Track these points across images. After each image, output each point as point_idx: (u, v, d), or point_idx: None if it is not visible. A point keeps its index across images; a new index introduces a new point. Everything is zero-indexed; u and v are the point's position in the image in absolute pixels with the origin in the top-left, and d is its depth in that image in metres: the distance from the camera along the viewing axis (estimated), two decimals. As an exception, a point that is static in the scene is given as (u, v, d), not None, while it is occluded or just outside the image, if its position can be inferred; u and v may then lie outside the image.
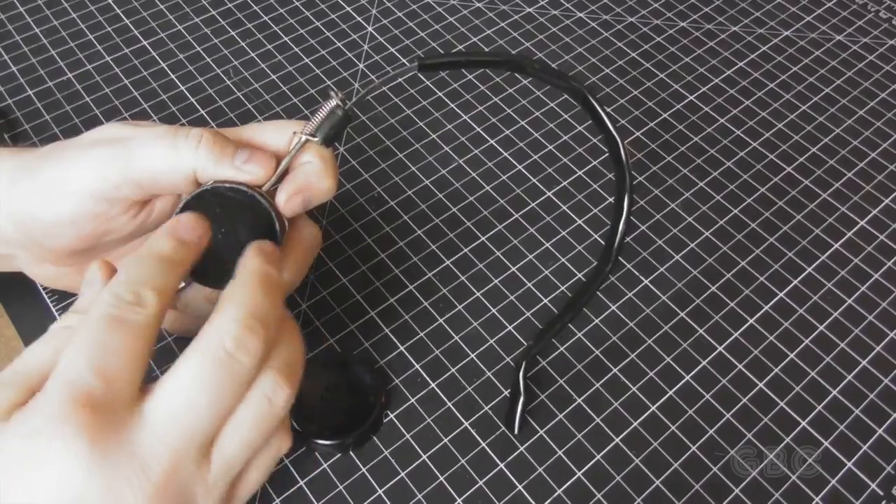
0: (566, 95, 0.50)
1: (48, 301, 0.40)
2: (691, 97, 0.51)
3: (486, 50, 0.53)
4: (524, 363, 0.37)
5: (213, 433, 0.27)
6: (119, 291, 0.27)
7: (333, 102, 0.32)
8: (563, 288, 0.42)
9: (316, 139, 0.32)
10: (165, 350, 0.38)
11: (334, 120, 0.32)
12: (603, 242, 0.43)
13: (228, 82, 0.51)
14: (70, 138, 0.34)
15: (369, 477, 0.35)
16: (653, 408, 0.37)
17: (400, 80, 0.51)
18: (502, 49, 0.53)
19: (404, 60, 0.52)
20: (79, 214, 0.32)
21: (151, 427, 0.25)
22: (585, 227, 0.44)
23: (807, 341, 0.40)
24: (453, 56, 0.32)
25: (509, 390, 0.37)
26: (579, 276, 0.42)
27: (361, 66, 0.52)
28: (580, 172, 0.47)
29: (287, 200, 0.31)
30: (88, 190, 0.31)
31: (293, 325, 0.30)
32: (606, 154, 0.47)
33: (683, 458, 0.36)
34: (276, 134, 0.33)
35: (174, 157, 0.31)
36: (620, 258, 0.41)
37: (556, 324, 0.38)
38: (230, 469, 0.27)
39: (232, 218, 0.31)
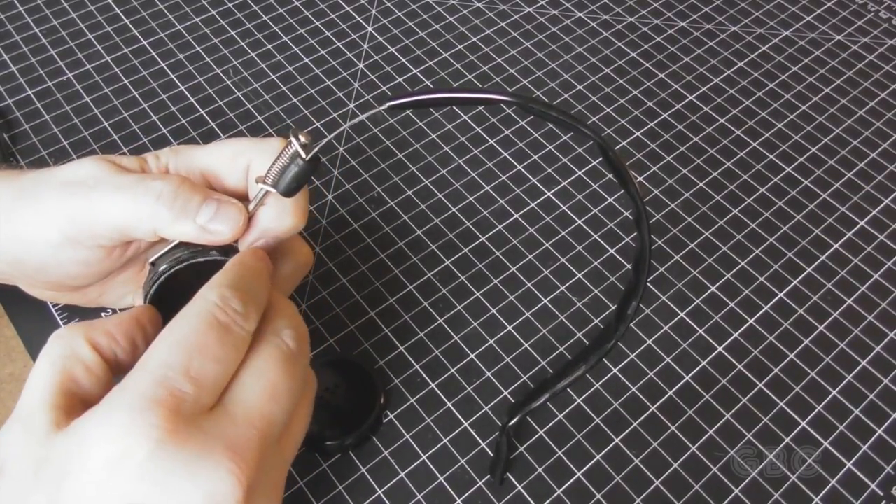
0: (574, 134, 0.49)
1: (48, 301, 0.40)
2: (691, 97, 0.51)
3: (486, 49, 0.53)
4: (511, 422, 0.33)
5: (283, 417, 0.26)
6: (229, 297, 0.26)
7: (293, 150, 0.28)
8: (562, 288, 0.41)
9: (275, 191, 0.29)
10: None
11: (295, 171, 0.28)
12: (604, 242, 0.43)
13: (228, 82, 0.51)
14: (45, 171, 0.32)
15: (369, 477, 0.35)
16: (652, 408, 0.37)
17: (399, 80, 0.51)
18: (502, 48, 0.53)
19: (395, 50, 0.52)
20: (61, 259, 0.31)
21: (234, 418, 0.25)
22: (585, 227, 0.44)
23: (807, 341, 0.40)
24: (420, 95, 0.29)
25: (493, 453, 0.35)
26: (578, 275, 0.42)
27: (361, 65, 0.52)
28: (580, 172, 0.47)
29: (252, 248, 0.30)
30: (64, 238, 0.30)
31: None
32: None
33: (683, 458, 0.36)
34: (236, 157, 0.31)
35: (133, 211, 0.29)
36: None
37: (541, 392, 0.33)
38: (285, 428, 0.27)
39: (192, 288, 0.27)
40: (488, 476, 0.35)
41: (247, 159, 0.31)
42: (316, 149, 0.28)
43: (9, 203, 0.31)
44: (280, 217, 0.30)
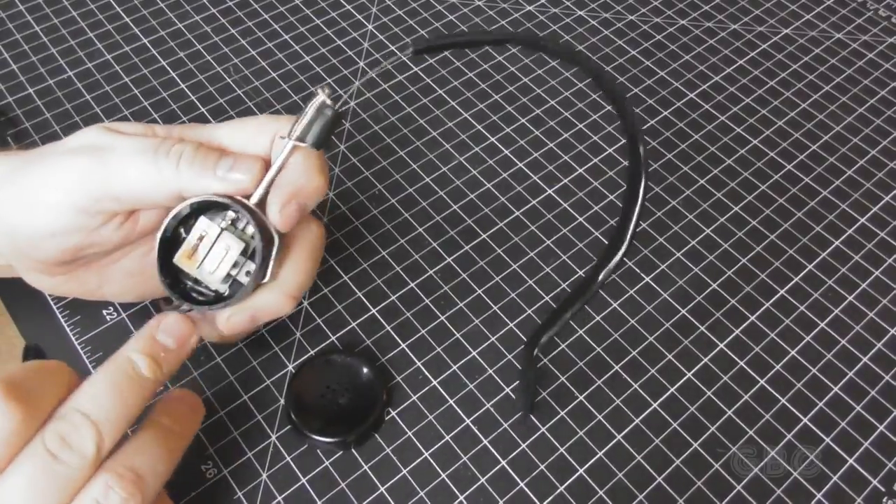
0: (569, 75, 0.49)
1: (49, 299, 0.40)
2: (691, 95, 0.51)
3: (486, 48, 0.53)
4: (537, 343, 0.35)
5: None
6: (59, 427, 0.26)
7: (321, 100, 0.30)
8: (563, 285, 0.42)
9: (305, 144, 0.30)
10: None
11: (324, 121, 0.30)
12: (605, 241, 0.43)
13: (229, 80, 0.51)
14: (52, 143, 0.32)
15: (371, 474, 0.35)
16: (654, 405, 0.37)
17: (400, 77, 0.51)
18: (502, 47, 0.53)
19: (395, 49, 0.52)
20: (57, 227, 0.30)
21: None
22: (587, 224, 0.44)
23: (808, 338, 0.40)
24: (448, 38, 0.30)
25: (520, 377, 0.37)
26: (580, 273, 0.42)
27: (362, 63, 0.52)
28: (581, 170, 0.47)
29: (281, 211, 0.29)
30: (67, 202, 0.30)
31: (163, 433, 0.29)
32: (608, 151, 0.47)
33: (685, 455, 0.36)
34: (258, 135, 0.31)
35: (155, 175, 0.29)
36: (626, 258, 0.41)
37: (568, 307, 0.36)
38: None
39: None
40: (491, 473, 0.35)
41: (269, 136, 0.31)
42: (348, 95, 0.29)
43: (12, 171, 0.31)
44: (309, 175, 0.30)
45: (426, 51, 0.32)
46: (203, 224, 0.30)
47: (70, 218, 0.30)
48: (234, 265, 0.30)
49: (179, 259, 0.30)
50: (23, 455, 0.25)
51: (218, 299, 0.31)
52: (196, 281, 0.31)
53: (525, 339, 0.39)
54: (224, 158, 0.30)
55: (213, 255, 0.30)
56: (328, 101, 0.30)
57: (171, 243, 0.30)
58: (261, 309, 0.31)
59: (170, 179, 0.29)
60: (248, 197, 0.30)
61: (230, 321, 0.31)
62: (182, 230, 0.30)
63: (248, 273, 0.30)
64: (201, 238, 0.30)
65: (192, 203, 0.30)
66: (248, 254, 0.30)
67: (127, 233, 0.32)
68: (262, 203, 0.30)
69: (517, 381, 0.37)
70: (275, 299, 0.31)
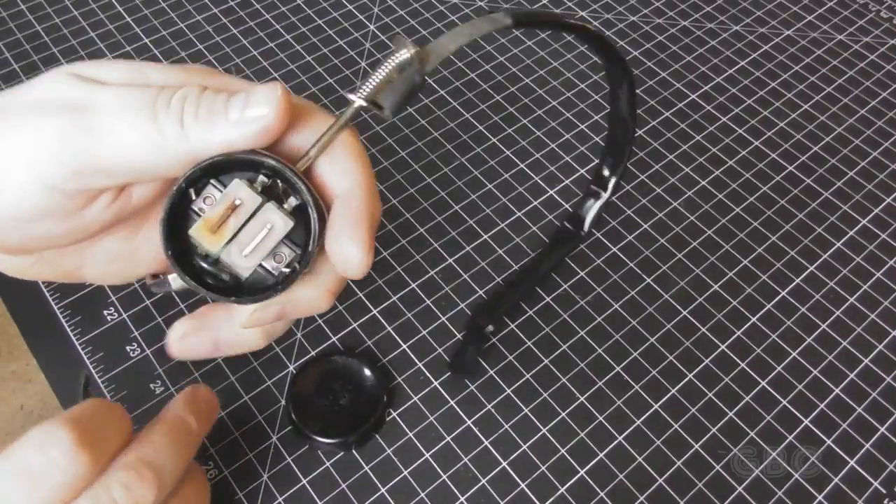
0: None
1: (50, 299, 0.40)
2: (693, 96, 0.51)
3: (488, 48, 0.53)
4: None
5: None
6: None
7: (405, 56, 0.23)
8: (565, 286, 0.41)
9: (383, 110, 0.24)
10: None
11: (408, 83, 0.23)
12: (608, 242, 0.43)
13: (230, 80, 0.51)
14: (5, 92, 0.24)
15: (372, 475, 0.35)
16: (655, 406, 0.37)
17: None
18: (504, 47, 0.53)
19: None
20: (22, 211, 0.23)
21: None
22: (592, 227, 0.44)
23: (809, 339, 0.40)
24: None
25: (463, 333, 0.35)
26: (581, 274, 0.42)
27: (363, 64, 0.52)
28: (582, 171, 0.47)
29: (354, 239, 0.24)
30: (34, 179, 0.23)
31: (178, 427, 0.29)
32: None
33: (686, 456, 0.36)
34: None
35: (156, 137, 0.22)
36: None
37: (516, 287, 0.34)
38: None
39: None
40: (492, 474, 0.35)
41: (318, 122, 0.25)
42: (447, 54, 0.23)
43: None
44: (369, 177, 0.24)
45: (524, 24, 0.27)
46: (238, 189, 0.23)
47: (39, 199, 0.23)
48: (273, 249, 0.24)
49: (199, 232, 0.23)
50: (85, 499, 0.25)
51: (236, 289, 0.24)
52: (214, 262, 0.24)
53: (527, 341, 0.39)
54: (235, 96, 0.23)
55: (248, 231, 0.23)
56: (415, 61, 0.23)
57: (178, 209, 0.24)
58: (294, 304, 0.25)
59: (175, 140, 0.23)
60: (270, 149, 0.24)
61: (255, 317, 0.25)
62: (195, 195, 0.24)
63: (286, 258, 0.24)
64: (233, 208, 0.23)
65: (218, 159, 0.23)
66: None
67: (117, 213, 0.25)
68: (308, 171, 0.24)
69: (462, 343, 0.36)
70: (312, 294, 0.25)
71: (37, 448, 0.24)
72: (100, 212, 0.24)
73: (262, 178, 0.23)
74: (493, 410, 0.37)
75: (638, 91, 0.51)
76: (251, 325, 0.25)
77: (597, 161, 0.47)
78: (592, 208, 0.33)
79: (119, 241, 0.27)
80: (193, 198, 0.23)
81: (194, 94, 0.23)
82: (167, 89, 0.23)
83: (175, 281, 0.24)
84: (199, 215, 0.23)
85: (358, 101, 0.23)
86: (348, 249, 0.24)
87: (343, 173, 0.24)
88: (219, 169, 0.23)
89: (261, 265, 0.24)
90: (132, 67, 0.24)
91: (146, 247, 0.27)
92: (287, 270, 0.24)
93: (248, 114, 0.22)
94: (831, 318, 0.41)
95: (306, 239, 0.24)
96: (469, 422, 0.37)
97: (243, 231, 0.23)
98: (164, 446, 0.27)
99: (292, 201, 0.24)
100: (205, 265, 0.24)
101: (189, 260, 0.24)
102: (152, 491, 0.26)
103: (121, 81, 0.24)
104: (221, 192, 0.23)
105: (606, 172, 0.33)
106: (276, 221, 0.23)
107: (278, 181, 0.24)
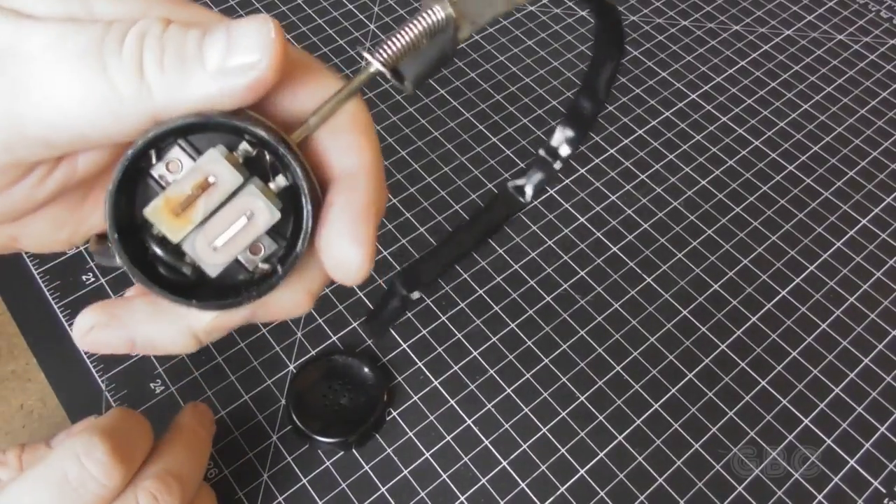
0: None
1: (50, 298, 0.40)
2: (693, 95, 0.51)
3: (488, 48, 0.53)
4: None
5: None
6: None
7: (440, 15, 0.19)
8: (565, 286, 0.41)
9: (405, 81, 0.20)
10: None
11: (439, 47, 0.19)
12: (608, 242, 0.43)
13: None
14: None
15: (372, 475, 0.35)
16: (655, 405, 0.37)
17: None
18: (505, 47, 0.53)
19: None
20: None
21: None
22: (588, 224, 0.44)
23: (809, 339, 0.40)
24: None
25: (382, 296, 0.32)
26: (582, 273, 0.42)
27: (363, 64, 0.52)
28: (582, 171, 0.47)
29: (355, 231, 0.19)
30: None
31: (192, 436, 0.31)
32: (610, 152, 0.47)
33: (686, 456, 0.36)
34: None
35: (107, 94, 0.17)
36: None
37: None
38: None
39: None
40: (492, 474, 0.35)
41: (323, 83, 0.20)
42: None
43: None
44: (376, 156, 0.20)
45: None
46: (214, 163, 0.18)
47: None
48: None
49: (158, 212, 0.18)
50: None
51: (197, 286, 0.19)
52: (174, 249, 0.18)
53: (525, 338, 0.39)
54: (211, 33, 0.17)
55: (221, 218, 0.18)
56: (451, 15, 0.19)
57: (132, 174, 0.18)
58: (265, 308, 0.20)
59: (133, 98, 0.17)
60: (255, 110, 0.19)
61: (215, 324, 0.20)
62: (155, 157, 0.18)
63: (264, 250, 0.19)
64: (205, 186, 0.18)
65: (190, 121, 0.18)
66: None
67: (58, 187, 0.19)
68: (304, 144, 0.19)
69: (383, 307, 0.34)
70: (289, 298, 0.20)
71: (73, 459, 0.25)
72: (34, 187, 0.19)
73: (244, 145, 0.18)
74: (493, 410, 0.37)
75: (638, 91, 0.51)
76: (210, 333, 0.20)
77: (598, 159, 0.47)
78: (535, 179, 0.30)
79: (62, 208, 0.21)
80: (154, 161, 0.18)
81: (155, 31, 0.17)
82: (118, 24, 0.17)
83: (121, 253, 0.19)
84: (161, 186, 0.18)
85: (376, 64, 0.19)
86: (346, 250, 0.19)
87: (347, 150, 0.20)
88: (189, 130, 0.18)
89: (238, 261, 0.19)
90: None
91: (96, 214, 0.21)
92: (265, 267, 0.19)
93: (231, 62, 0.17)
94: (831, 318, 0.41)
95: (294, 229, 0.19)
96: (469, 421, 0.37)
97: (215, 216, 0.18)
98: (184, 457, 0.29)
99: (280, 181, 0.18)
100: (159, 251, 0.19)
101: (140, 240, 0.19)
102: (177, 499, 0.27)
103: (57, 14, 0.18)
104: (192, 158, 0.18)
105: (559, 144, 0.29)
106: (260, 209, 0.18)
107: (266, 153, 0.19)
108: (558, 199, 0.45)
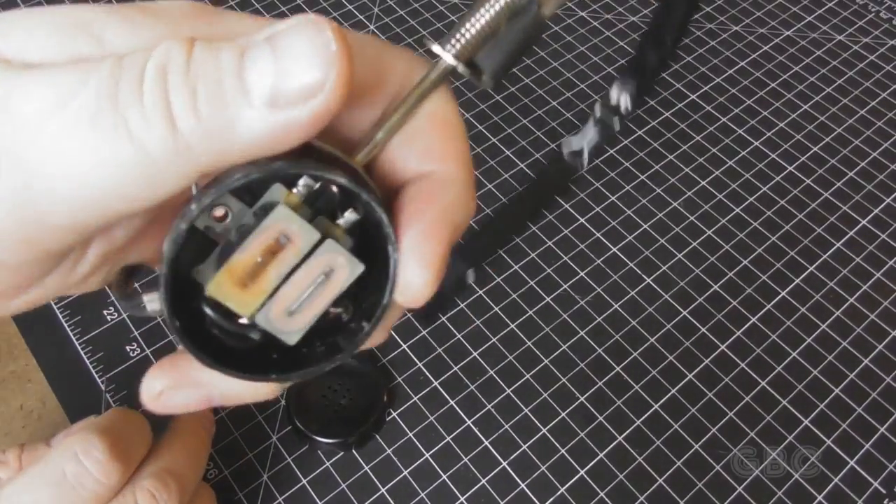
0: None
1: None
2: (693, 96, 0.51)
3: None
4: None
5: None
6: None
7: None
8: (565, 286, 0.42)
9: (486, 78, 0.16)
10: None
11: (521, 31, 0.16)
12: (608, 242, 0.43)
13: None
14: None
15: (372, 475, 0.35)
16: (655, 406, 0.37)
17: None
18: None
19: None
20: None
21: None
22: (588, 225, 0.44)
23: (809, 340, 0.40)
24: None
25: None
26: (581, 274, 0.42)
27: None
28: (582, 171, 0.47)
29: (426, 251, 0.16)
30: None
31: (192, 435, 0.31)
32: (610, 151, 0.47)
33: (686, 456, 0.36)
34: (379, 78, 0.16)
35: (134, 158, 0.13)
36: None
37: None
38: None
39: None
40: (492, 474, 0.35)
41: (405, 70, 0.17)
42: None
43: None
44: (466, 162, 0.17)
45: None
46: (281, 220, 0.15)
47: None
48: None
49: (221, 288, 0.15)
50: None
51: (269, 354, 0.17)
52: (234, 318, 0.16)
53: (524, 338, 0.39)
54: (249, 51, 0.14)
55: (297, 281, 0.16)
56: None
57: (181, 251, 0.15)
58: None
59: (167, 160, 0.14)
60: (348, 154, 0.16)
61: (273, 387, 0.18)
62: (195, 203, 0.15)
63: (347, 309, 0.17)
64: (275, 251, 0.15)
65: (239, 182, 0.15)
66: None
67: (98, 260, 0.17)
68: (370, 168, 0.16)
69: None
70: (371, 340, 0.18)
71: (72, 458, 0.26)
72: (70, 270, 0.17)
73: (305, 180, 0.15)
74: (493, 410, 0.37)
75: (638, 91, 0.51)
76: (279, 386, 0.18)
77: (601, 158, 0.47)
78: (592, 141, 0.26)
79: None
80: (194, 208, 0.15)
81: (179, 60, 0.13)
82: (131, 59, 0.14)
83: (152, 303, 0.16)
84: (212, 240, 0.16)
85: (448, 58, 0.16)
86: (413, 274, 0.16)
87: (425, 157, 0.17)
88: (245, 188, 0.15)
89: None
90: (70, 19, 0.14)
91: (136, 252, 0.19)
92: (336, 311, 0.17)
93: (285, 88, 0.13)
94: (831, 318, 0.41)
95: (374, 273, 0.16)
96: (469, 422, 0.37)
97: (289, 281, 0.15)
98: (183, 456, 0.29)
99: (349, 216, 0.16)
100: (225, 324, 0.16)
101: (190, 305, 0.16)
102: (175, 498, 0.27)
103: (62, 56, 0.14)
104: (244, 204, 0.15)
105: (617, 97, 0.25)
106: (341, 266, 0.15)
107: (333, 188, 0.15)
108: (558, 199, 0.45)
